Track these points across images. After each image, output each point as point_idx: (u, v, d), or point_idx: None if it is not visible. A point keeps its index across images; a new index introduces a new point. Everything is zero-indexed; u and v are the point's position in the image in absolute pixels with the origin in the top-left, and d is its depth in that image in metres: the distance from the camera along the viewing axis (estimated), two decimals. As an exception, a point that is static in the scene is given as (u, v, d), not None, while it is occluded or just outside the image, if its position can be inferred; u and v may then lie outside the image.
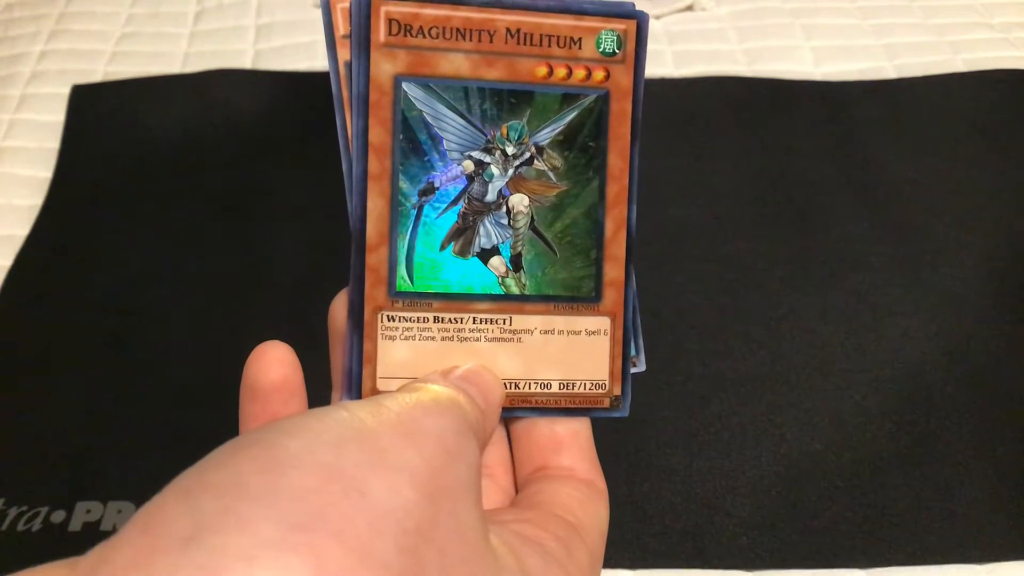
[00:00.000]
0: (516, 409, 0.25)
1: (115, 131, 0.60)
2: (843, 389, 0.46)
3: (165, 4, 0.72)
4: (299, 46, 0.68)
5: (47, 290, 0.51)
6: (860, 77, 0.65)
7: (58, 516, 0.40)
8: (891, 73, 0.66)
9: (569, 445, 0.25)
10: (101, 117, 0.61)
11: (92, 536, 0.39)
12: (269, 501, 0.15)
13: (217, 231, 0.54)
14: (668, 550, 0.40)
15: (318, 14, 0.71)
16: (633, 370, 0.26)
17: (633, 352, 0.26)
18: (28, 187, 0.57)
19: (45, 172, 0.58)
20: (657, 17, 0.70)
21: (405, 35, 0.24)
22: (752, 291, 0.51)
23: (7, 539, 0.39)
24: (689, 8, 0.71)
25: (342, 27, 0.25)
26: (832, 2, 0.72)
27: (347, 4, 0.24)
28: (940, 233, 0.54)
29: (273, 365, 0.23)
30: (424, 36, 0.24)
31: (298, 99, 0.63)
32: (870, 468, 0.43)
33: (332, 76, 0.24)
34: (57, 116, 0.62)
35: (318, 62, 0.66)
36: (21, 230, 0.54)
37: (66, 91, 0.63)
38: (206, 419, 0.46)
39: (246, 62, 0.66)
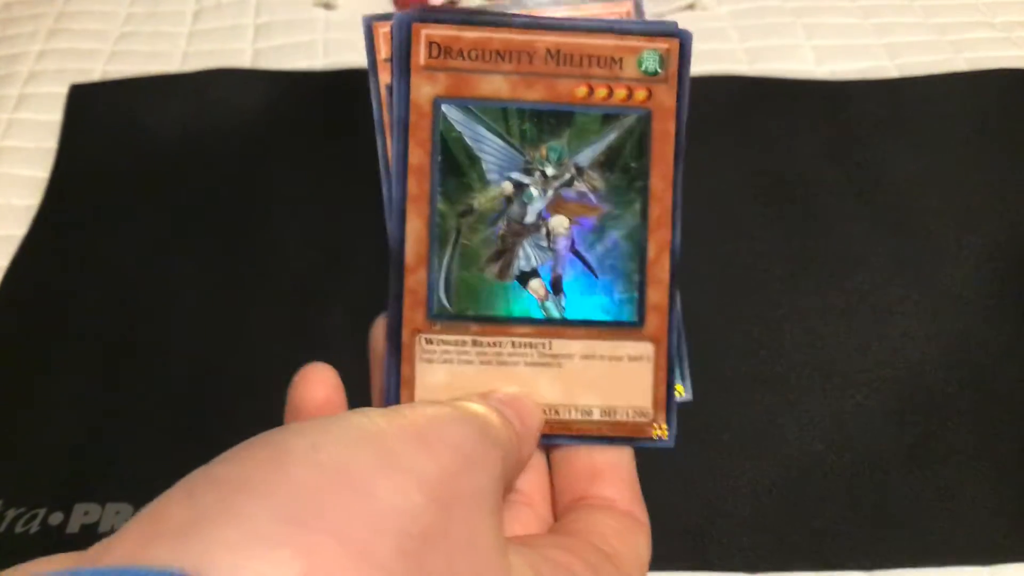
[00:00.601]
0: (556, 436, 0.24)
1: (113, 130, 0.60)
2: (844, 389, 0.46)
3: (163, 3, 0.72)
4: (298, 45, 0.67)
5: (45, 291, 0.51)
6: (861, 76, 0.65)
7: (56, 518, 0.40)
8: (892, 72, 0.65)
9: (609, 475, 0.24)
10: (99, 116, 0.61)
11: (90, 538, 0.39)
12: (268, 496, 0.15)
13: (216, 231, 0.54)
14: (669, 551, 0.40)
15: (317, 13, 0.70)
16: (679, 399, 0.25)
17: (679, 380, 0.25)
18: (26, 187, 0.57)
19: (43, 172, 0.58)
20: (659, 16, 0.70)
21: (445, 57, 0.24)
22: (752, 291, 0.50)
23: (5, 541, 0.39)
24: (690, 7, 0.71)
25: (384, 51, 0.25)
26: (833, 1, 0.72)
27: (389, 28, 0.24)
28: (941, 232, 0.54)
29: (317, 386, 0.23)
30: (464, 58, 0.24)
31: (297, 98, 0.63)
32: (871, 468, 0.43)
33: (373, 99, 0.25)
34: (55, 116, 0.61)
35: (317, 61, 0.66)
36: (19, 230, 0.54)
37: (64, 90, 0.63)
38: (205, 421, 0.46)
39: (245, 61, 0.66)
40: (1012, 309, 0.50)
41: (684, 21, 0.70)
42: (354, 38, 0.68)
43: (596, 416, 0.24)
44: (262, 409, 0.44)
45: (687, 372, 0.25)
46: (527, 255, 0.24)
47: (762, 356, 0.47)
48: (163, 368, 0.47)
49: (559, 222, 0.24)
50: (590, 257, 0.24)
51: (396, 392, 0.24)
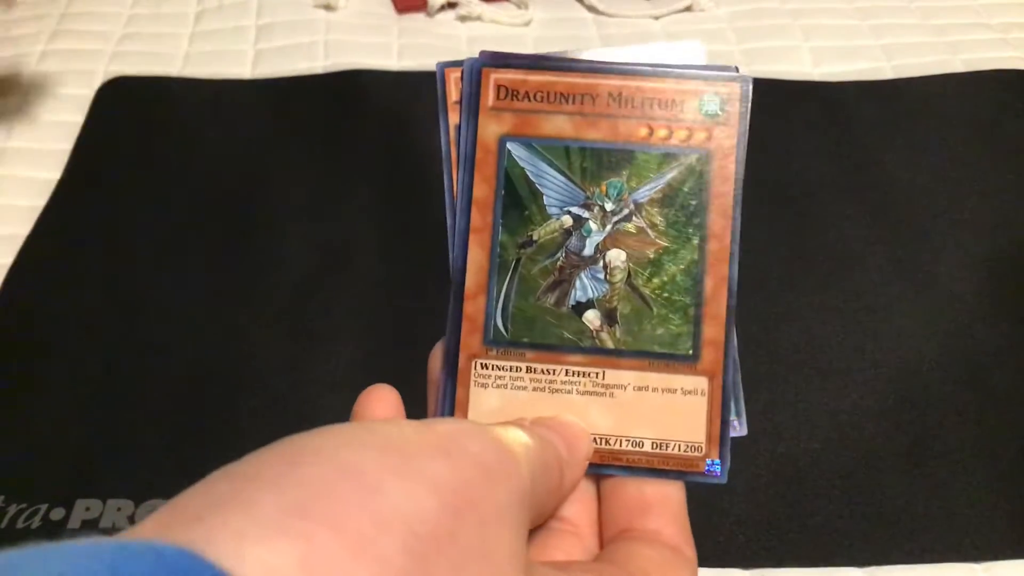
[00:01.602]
0: (606, 466, 0.24)
1: (126, 130, 0.61)
2: (841, 388, 0.46)
3: (166, 4, 0.72)
4: (299, 46, 0.68)
5: (48, 289, 0.51)
6: (859, 77, 0.65)
7: (57, 514, 0.40)
8: (889, 73, 0.66)
9: (657, 508, 0.24)
10: (118, 117, 0.61)
11: (90, 534, 0.39)
12: (276, 487, 0.16)
13: (217, 231, 0.54)
14: (666, 548, 0.40)
15: (318, 14, 0.71)
16: (733, 434, 0.25)
17: (733, 414, 0.25)
18: (31, 187, 0.57)
19: (46, 173, 0.58)
20: (656, 18, 0.70)
21: (512, 99, 0.25)
22: (750, 290, 0.51)
23: (6, 536, 0.39)
24: (688, 9, 0.71)
25: (454, 94, 0.26)
26: (831, 3, 0.72)
27: (459, 74, 0.25)
28: (938, 233, 0.54)
29: (378, 405, 0.24)
30: (529, 100, 0.25)
31: (298, 100, 0.63)
32: (868, 467, 0.43)
33: (443, 138, 0.26)
34: (59, 116, 0.62)
35: (318, 63, 0.66)
36: (22, 229, 0.54)
37: (67, 91, 0.63)
38: (205, 418, 0.46)
39: (246, 63, 0.66)
40: (1008, 308, 0.50)
41: (682, 22, 0.70)
42: (355, 39, 0.68)
43: (648, 448, 0.24)
44: (262, 407, 0.45)
45: (743, 407, 0.25)
46: (584, 286, 0.25)
47: (760, 355, 0.47)
48: (164, 366, 0.47)
49: (616, 255, 0.25)
50: (646, 291, 0.25)
51: (451, 415, 0.25)
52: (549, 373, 0.24)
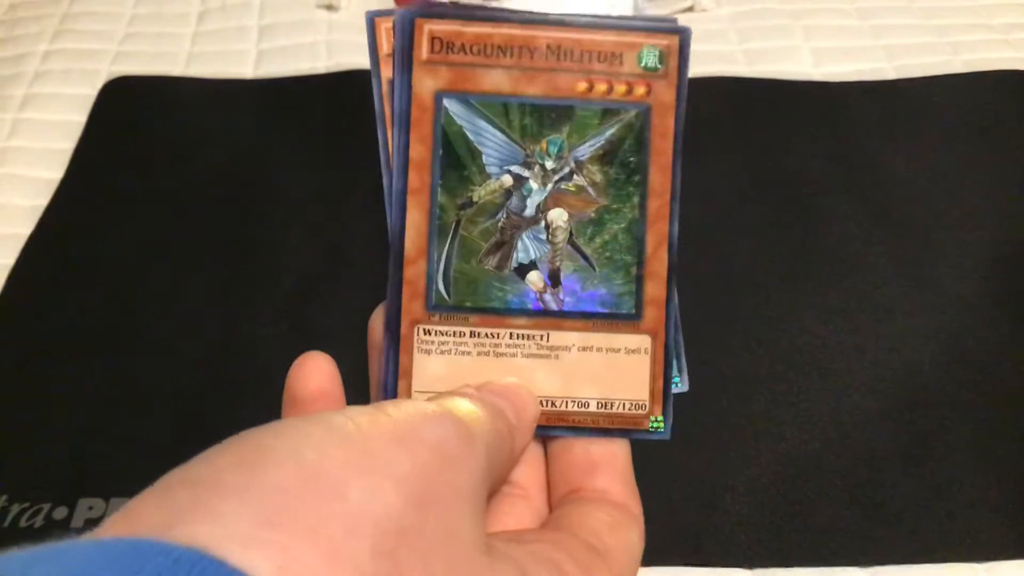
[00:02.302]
0: (553, 428, 0.24)
1: (128, 129, 0.61)
2: (842, 388, 0.46)
3: (168, 4, 0.72)
4: (301, 46, 0.68)
5: (50, 288, 0.51)
6: (859, 78, 0.65)
7: (60, 513, 0.40)
8: (890, 74, 0.66)
9: (604, 467, 0.24)
10: (120, 117, 0.62)
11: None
12: (242, 496, 0.15)
13: (218, 231, 0.54)
14: (667, 548, 0.40)
15: (320, 14, 0.71)
16: (675, 390, 0.25)
17: (676, 372, 0.25)
18: (32, 187, 0.57)
19: (48, 172, 0.58)
20: (657, 18, 0.70)
21: (447, 52, 0.24)
22: (751, 290, 0.51)
23: (9, 535, 0.39)
24: (690, 9, 0.71)
25: (386, 46, 0.25)
26: (832, 3, 0.72)
27: (391, 24, 0.24)
28: (939, 233, 0.54)
29: (313, 375, 0.23)
30: (465, 53, 0.24)
31: (300, 100, 0.63)
32: (869, 467, 0.43)
33: (375, 93, 0.25)
34: (61, 115, 0.62)
35: (320, 62, 0.66)
36: (24, 229, 0.54)
37: (69, 91, 0.63)
38: (207, 416, 0.46)
39: (249, 62, 0.66)
40: (1009, 308, 0.50)
41: (683, 22, 0.70)
42: (357, 39, 0.68)
43: (593, 408, 0.24)
44: (262, 405, 0.45)
45: (684, 364, 0.25)
46: (526, 247, 0.24)
47: (760, 355, 0.47)
48: (165, 365, 0.47)
49: (558, 215, 0.24)
50: (588, 250, 0.24)
51: (394, 383, 0.24)
52: (493, 337, 0.24)
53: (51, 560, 0.14)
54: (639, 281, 0.24)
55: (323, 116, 0.61)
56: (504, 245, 0.24)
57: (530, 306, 0.24)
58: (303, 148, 0.59)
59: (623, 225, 0.24)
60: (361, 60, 0.66)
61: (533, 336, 0.24)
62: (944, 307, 0.50)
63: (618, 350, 0.24)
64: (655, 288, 0.24)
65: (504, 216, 0.24)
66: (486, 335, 0.24)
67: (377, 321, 0.25)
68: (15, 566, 0.13)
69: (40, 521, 0.40)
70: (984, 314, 0.50)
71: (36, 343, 0.48)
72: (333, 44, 0.68)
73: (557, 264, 0.24)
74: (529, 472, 0.24)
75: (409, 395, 0.24)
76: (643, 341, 0.24)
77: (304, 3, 0.72)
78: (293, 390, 0.24)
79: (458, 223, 0.24)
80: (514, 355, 0.24)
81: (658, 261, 0.24)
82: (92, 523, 0.40)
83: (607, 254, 0.24)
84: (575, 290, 0.24)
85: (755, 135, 0.60)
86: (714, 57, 0.66)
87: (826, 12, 0.71)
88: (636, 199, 0.24)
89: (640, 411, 0.24)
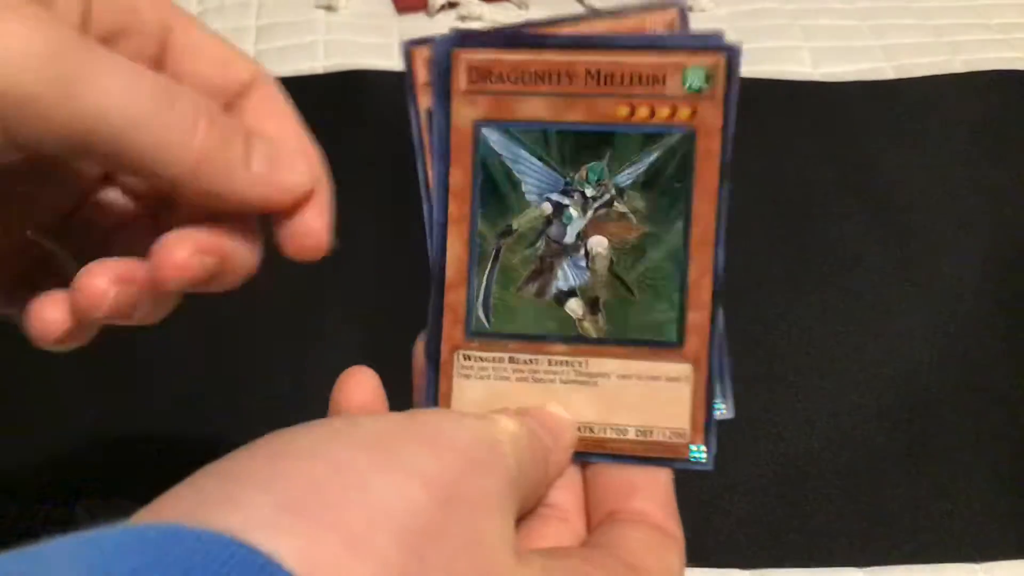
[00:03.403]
0: (590, 454, 0.24)
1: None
2: (841, 388, 0.46)
3: (166, 5, 0.72)
4: (300, 47, 0.68)
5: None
6: (859, 78, 0.65)
7: (60, 513, 0.40)
8: (890, 74, 0.66)
9: (643, 490, 0.24)
10: None
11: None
12: (268, 486, 0.16)
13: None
14: (666, 548, 0.40)
15: (319, 15, 0.71)
16: (719, 417, 0.25)
17: (720, 397, 0.25)
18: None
19: (47, 172, 0.58)
20: (657, 18, 0.70)
21: (485, 82, 0.24)
22: (750, 290, 0.51)
23: (8, 536, 0.39)
24: (688, 9, 0.71)
25: (422, 75, 0.25)
26: (831, 3, 0.72)
27: (427, 53, 0.24)
28: (939, 233, 0.54)
29: (356, 390, 0.24)
30: (504, 81, 0.24)
31: (298, 100, 0.63)
32: (868, 467, 0.43)
33: (413, 123, 0.25)
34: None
35: (318, 63, 0.66)
36: (23, 230, 0.54)
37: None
38: (208, 418, 0.46)
39: (247, 63, 0.66)
40: (1009, 309, 0.50)
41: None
42: (355, 40, 0.68)
43: (632, 436, 0.24)
44: (263, 407, 0.45)
45: (729, 391, 0.25)
46: (565, 275, 0.24)
47: (759, 355, 0.47)
48: (166, 366, 0.47)
49: (598, 242, 0.24)
50: (629, 278, 0.24)
51: (435, 407, 0.24)
52: (532, 363, 0.24)
53: (85, 547, 0.14)
54: (681, 308, 0.24)
55: (321, 117, 0.61)
56: (544, 273, 0.24)
57: (570, 333, 0.24)
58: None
59: (665, 253, 0.24)
60: (360, 61, 0.66)
61: (571, 363, 0.24)
62: (944, 307, 0.50)
63: (658, 378, 0.24)
64: (698, 316, 0.24)
65: (544, 244, 0.24)
66: (525, 361, 0.24)
67: (420, 348, 0.26)
68: (56, 554, 0.14)
69: (39, 521, 0.40)
70: (984, 314, 0.50)
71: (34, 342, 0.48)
72: (332, 45, 0.68)
73: (597, 292, 0.24)
74: (567, 495, 0.24)
75: None
76: (684, 370, 0.24)
77: (303, 3, 0.72)
78: (337, 404, 0.24)
79: (498, 251, 0.24)
80: (552, 381, 0.24)
81: (702, 289, 0.24)
82: (92, 523, 0.40)
83: (648, 282, 0.24)
84: (616, 318, 0.24)
85: (754, 135, 0.60)
86: (713, 57, 0.66)
87: (825, 12, 0.71)
88: (679, 225, 0.24)
89: (680, 439, 0.24)
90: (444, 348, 0.24)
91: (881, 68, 0.66)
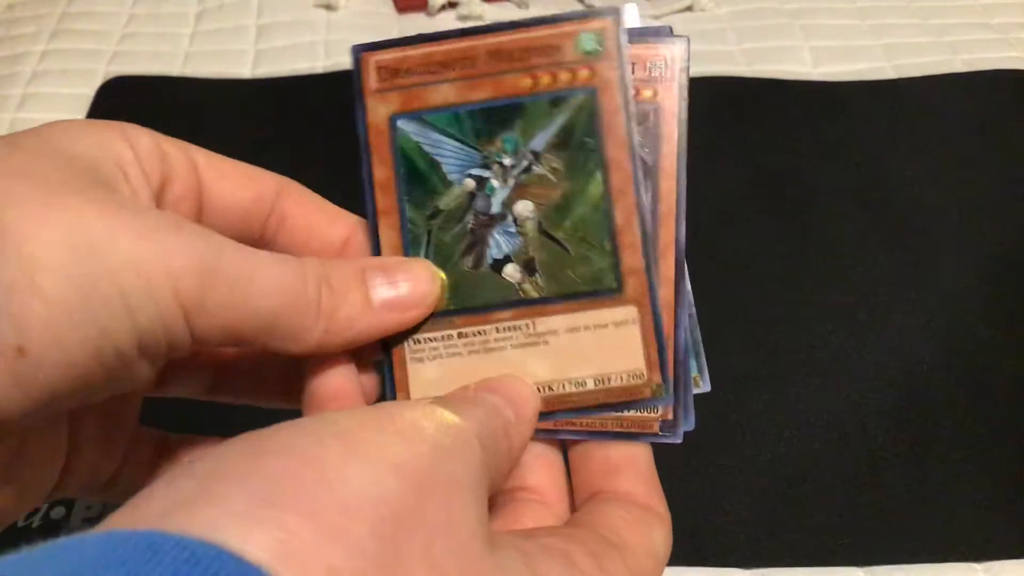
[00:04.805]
0: (555, 413, 0.24)
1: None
2: (841, 388, 0.46)
3: (166, 4, 0.72)
4: (300, 46, 0.68)
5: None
6: (859, 77, 0.65)
7: (58, 512, 0.40)
8: (890, 73, 0.66)
9: (625, 469, 0.24)
10: (118, 117, 0.61)
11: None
12: (242, 481, 0.16)
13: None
14: (666, 548, 0.40)
15: (319, 14, 0.71)
16: (696, 390, 0.25)
17: (695, 371, 0.25)
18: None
19: (46, 171, 0.58)
20: (657, 17, 0.70)
21: (395, 78, 0.25)
22: (750, 290, 0.51)
23: (8, 535, 0.39)
24: (689, 8, 0.71)
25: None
26: (831, 3, 0.72)
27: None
28: (939, 233, 0.54)
29: (331, 374, 0.24)
30: (412, 75, 0.25)
31: (299, 103, 0.63)
32: (868, 467, 0.43)
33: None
34: (58, 116, 0.62)
35: (318, 62, 0.66)
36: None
37: (67, 91, 0.63)
38: (206, 417, 0.46)
39: (247, 62, 0.66)
40: (1009, 308, 0.50)
41: (682, 22, 0.70)
42: (355, 39, 0.68)
43: (590, 386, 0.25)
44: (264, 407, 0.45)
45: (704, 363, 0.26)
46: (497, 243, 0.25)
47: (759, 355, 0.47)
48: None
49: (523, 207, 0.25)
50: (559, 235, 0.25)
51: (393, 398, 0.25)
52: (481, 334, 0.25)
53: (54, 558, 0.14)
54: (615, 255, 0.25)
55: (321, 116, 0.61)
56: (477, 245, 0.25)
57: (512, 298, 0.25)
58: (301, 148, 0.59)
59: (589, 204, 0.25)
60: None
61: (519, 327, 0.25)
62: (944, 307, 0.50)
63: (606, 325, 0.25)
64: (632, 259, 0.25)
65: (472, 218, 0.25)
66: (474, 333, 0.25)
67: None
68: (23, 567, 0.14)
69: (38, 520, 0.40)
70: (984, 314, 0.50)
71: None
72: (331, 44, 0.68)
73: (531, 254, 0.25)
74: (546, 478, 0.24)
75: None
76: (629, 312, 0.25)
77: (302, 3, 0.72)
78: (311, 389, 0.24)
79: (429, 233, 0.25)
80: (503, 348, 0.24)
81: (630, 232, 0.25)
82: (90, 522, 0.40)
83: (579, 235, 0.25)
84: (554, 275, 0.25)
85: (754, 135, 0.60)
86: (713, 57, 0.66)
87: (825, 12, 0.72)
88: (598, 176, 0.25)
89: (638, 380, 0.25)
90: (392, 337, 0.25)
91: (881, 68, 0.66)
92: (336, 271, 0.23)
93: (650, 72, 0.25)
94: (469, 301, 0.25)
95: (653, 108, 0.25)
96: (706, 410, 0.45)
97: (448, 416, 0.20)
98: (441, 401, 0.21)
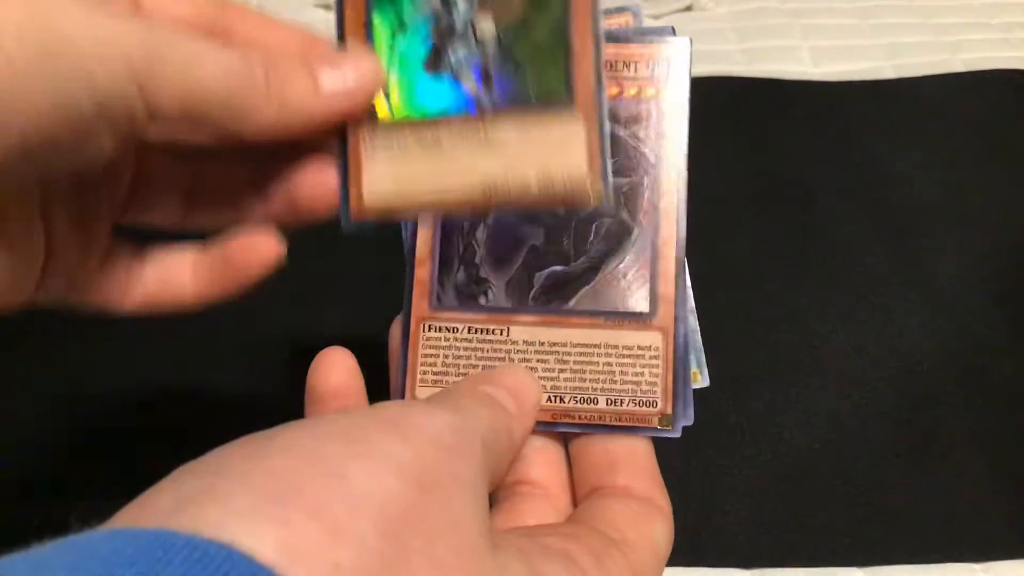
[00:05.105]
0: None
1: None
2: (841, 388, 0.46)
3: (166, 4, 0.72)
4: (299, 46, 0.68)
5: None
6: (859, 77, 0.65)
7: (57, 512, 0.40)
8: (890, 73, 0.66)
9: (624, 464, 0.24)
10: None
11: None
12: (247, 479, 0.16)
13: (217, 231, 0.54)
14: (666, 548, 0.40)
15: (318, 14, 0.71)
16: (696, 385, 0.26)
17: (695, 367, 0.26)
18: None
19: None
20: (657, 17, 0.70)
21: None
22: (750, 290, 0.51)
23: (5, 536, 0.39)
24: (688, 8, 0.71)
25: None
26: (831, 2, 0.72)
27: None
28: (939, 233, 0.54)
29: (333, 371, 0.24)
30: None
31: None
32: (868, 467, 0.43)
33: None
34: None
35: (318, 62, 0.66)
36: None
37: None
38: (205, 418, 0.46)
39: (246, 62, 0.66)
40: (1009, 308, 0.50)
41: (682, 22, 0.70)
42: (355, 39, 0.68)
43: (534, 188, 0.25)
44: (260, 407, 0.45)
45: (703, 359, 0.26)
46: (457, 56, 0.26)
47: (759, 355, 0.47)
48: (164, 365, 0.47)
49: (485, 23, 0.26)
50: (518, 53, 0.26)
51: (404, 378, 0.25)
52: (433, 136, 0.26)
53: (64, 556, 0.14)
54: (567, 70, 0.25)
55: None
56: (438, 57, 0.26)
57: (466, 107, 0.26)
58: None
59: (550, 25, 0.26)
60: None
61: (471, 130, 0.26)
62: (944, 307, 0.50)
63: (553, 131, 0.25)
64: (583, 73, 0.26)
65: (436, 35, 0.26)
66: (428, 135, 0.26)
67: (396, 328, 0.26)
68: (33, 565, 0.14)
69: (36, 521, 0.40)
70: (984, 314, 0.50)
71: (33, 342, 0.48)
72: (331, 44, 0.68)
73: (488, 66, 0.26)
74: (548, 472, 0.25)
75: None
76: (575, 119, 0.25)
77: (302, 3, 0.72)
78: (314, 386, 0.24)
79: (392, 48, 0.26)
80: (454, 148, 0.26)
81: (586, 57, 0.26)
82: (87, 524, 0.40)
83: (536, 53, 0.26)
84: (508, 88, 0.26)
85: (754, 135, 0.60)
86: (713, 57, 0.66)
87: (825, 11, 0.71)
88: None
89: (580, 183, 0.25)
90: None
91: (881, 67, 0.66)
92: (283, 60, 0.24)
93: (652, 71, 0.26)
94: (426, 109, 0.26)
95: (655, 106, 0.26)
96: (706, 410, 0.45)
97: (449, 413, 0.20)
98: (443, 398, 0.21)
